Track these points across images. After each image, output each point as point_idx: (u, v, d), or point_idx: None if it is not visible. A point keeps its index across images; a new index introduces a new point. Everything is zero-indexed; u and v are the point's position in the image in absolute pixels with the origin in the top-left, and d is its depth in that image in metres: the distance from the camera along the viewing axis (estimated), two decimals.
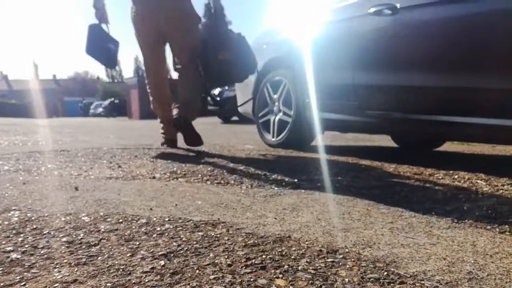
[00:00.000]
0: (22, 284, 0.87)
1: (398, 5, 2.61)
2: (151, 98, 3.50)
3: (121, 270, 0.93)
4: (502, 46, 2.16)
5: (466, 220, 1.39)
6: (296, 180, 2.08)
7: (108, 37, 3.38)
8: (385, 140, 4.77)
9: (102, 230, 1.22)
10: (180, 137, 3.36)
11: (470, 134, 2.56)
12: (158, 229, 1.24)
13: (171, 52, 3.34)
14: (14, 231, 1.20)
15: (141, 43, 3.33)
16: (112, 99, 34.79)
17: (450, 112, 2.40)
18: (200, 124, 5.31)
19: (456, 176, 2.15)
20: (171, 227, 1.26)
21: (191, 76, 3.25)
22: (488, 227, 1.33)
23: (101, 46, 3.34)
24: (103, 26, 3.35)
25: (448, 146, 4.21)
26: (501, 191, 1.82)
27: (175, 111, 3.23)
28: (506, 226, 1.32)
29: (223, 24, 3.37)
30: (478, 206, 1.56)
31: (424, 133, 3.05)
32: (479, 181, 2.02)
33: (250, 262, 0.99)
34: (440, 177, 2.14)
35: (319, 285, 0.87)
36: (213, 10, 3.33)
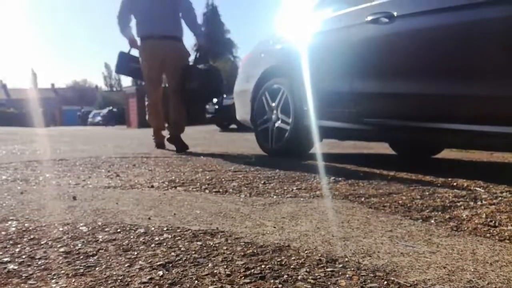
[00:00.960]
0: None
1: (395, 13, 2.63)
2: (147, 111, 4.53)
3: (119, 280, 0.93)
4: (499, 53, 2.18)
5: (466, 228, 1.39)
6: (294, 188, 2.08)
7: (134, 58, 4.42)
8: (383, 148, 4.78)
9: (100, 240, 1.21)
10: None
11: (468, 141, 2.57)
12: (157, 238, 1.23)
13: (167, 78, 4.37)
14: (11, 242, 1.19)
15: (146, 71, 4.30)
16: (111, 107, 34.84)
17: (448, 120, 2.40)
18: (198, 132, 5.31)
19: (454, 184, 2.15)
20: (170, 236, 1.25)
21: (179, 101, 4.26)
22: (488, 235, 1.32)
23: (127, 66, 4.47)
24: (133, 50, 4.40)
25: (447, 153, 4.21)
26: (500, 198, 1.82)
27: (167, 131, 4.36)
28: (506, 234, 1.32)
29: (202, 60, 4.38)
30: (477, 214, 1.56)
31: (422, 140, 3.06)
32: (477, 189, 2.02)
33: (249, 272, 0.98)
34: (438, 185, 2.14)
35: None
36: (198, 48, 4.53)
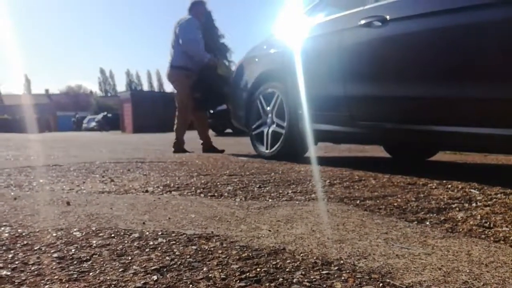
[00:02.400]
0: None
1: (387, 17, 2.64)
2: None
3: (113, 285, 0.92)
4: (491, 56, 2.19)
5: (461, 230, 1.39)
6: (290, 191, 2.08)
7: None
8: (378, 151, 4.79)
9: (94, 245, 1.20)
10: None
11: (462, 144, 2.58)
12: (151, 243, 1.22)
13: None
14: (4, 248, 1.18)
15: (178, 94, 5.07)
16: (105, 113, 34.79)
17: (441, 122, 2.41)
18: (194, 137, 5.31)
19: (449, 186, 2.15)
20: (164, 241, 1.25)
21: (197, 118, 5.08)
22: (483, 236, 1.32)
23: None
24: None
25: (441, 156, 4.23)
26: (495, 199, 1.83)
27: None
28: (501, 235, 1.32)
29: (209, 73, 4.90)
30: (472, 215, 1.56)
31: (416, 143, 3.07)
32: (472, 190, 2.02)
33: (245, 275, 0.98)
34: (433, 187, 2.14)
35: None
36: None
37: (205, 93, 4.85)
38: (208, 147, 4.99)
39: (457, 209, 1.67)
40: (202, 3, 5.12)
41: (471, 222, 1.47)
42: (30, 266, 1.03)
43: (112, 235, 1.31)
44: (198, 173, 2.76)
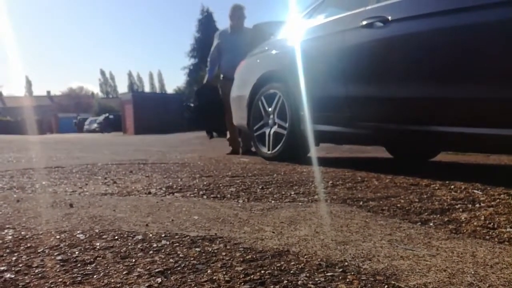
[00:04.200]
0: None
1: (389, 18, 2.64)
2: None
3: None
4: (493, 56, 2.18)
5: (465, 231, 1.39)
6: (293, 193, 2.07)
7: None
8: (380, 152, 4.78)
9: (98, 247, 1.20)
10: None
11: (464, 144, 2.57)
12: (155, 245, 1.22)
13: None
14: (8, 250, 1.18)
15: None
16: (107, 114, 34.85)
17: (443, 123, 2.41)
18: (195, 138, 5.32)
19: (452, 186, 2.15)
20: (168, 243, 1.24)
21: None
22: (487, 237, 1.32)
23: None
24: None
25: (443, 157, 4.22)
26: (498, 200, 1.82)
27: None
28: (505, 236, 1.32)
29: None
30: (476, 216, 1.56)
31: (418, 143, 3.06)
32: (475, 191, 2.02)
33: (249, 278, 0.97)
34: (436, 188, 2.14)
35: None
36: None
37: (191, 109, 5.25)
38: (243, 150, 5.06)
39: (461, 210, 1.67)
40: (236, 8, 5.03)
41: (475, 223, 1.47)
42: (34, 268, 1.03)
43: (116, 237, 1.31)
44: (201, 174, 2.76)
